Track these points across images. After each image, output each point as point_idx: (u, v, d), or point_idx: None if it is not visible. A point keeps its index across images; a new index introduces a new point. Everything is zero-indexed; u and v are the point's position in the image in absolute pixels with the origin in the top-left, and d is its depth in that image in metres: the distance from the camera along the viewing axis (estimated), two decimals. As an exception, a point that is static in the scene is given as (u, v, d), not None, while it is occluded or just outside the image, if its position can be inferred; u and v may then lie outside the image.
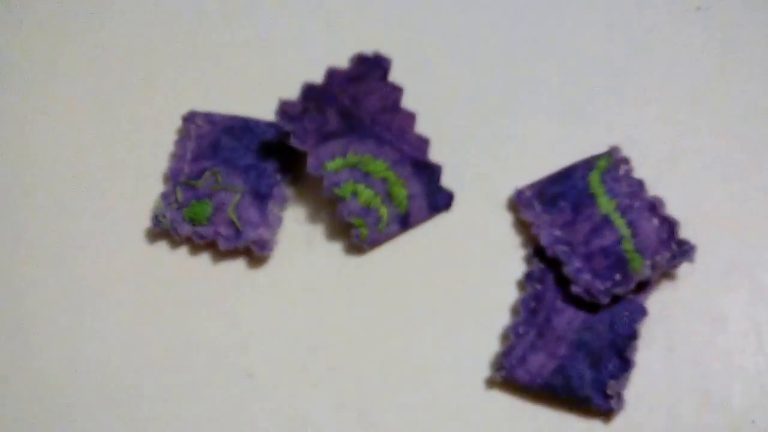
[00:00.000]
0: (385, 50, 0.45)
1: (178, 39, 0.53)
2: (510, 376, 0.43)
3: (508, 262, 0.46)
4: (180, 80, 0.51)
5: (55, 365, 0.44)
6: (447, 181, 0.47)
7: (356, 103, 0.45)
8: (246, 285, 0.46)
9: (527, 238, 0.46)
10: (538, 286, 0.44)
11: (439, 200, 0.47)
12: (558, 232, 0.45)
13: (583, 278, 0.44)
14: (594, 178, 0.46)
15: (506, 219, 0.47)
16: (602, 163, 0.46)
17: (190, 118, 0.49)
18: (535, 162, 0.48)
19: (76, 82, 0.52)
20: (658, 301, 0.45)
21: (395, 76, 0.45)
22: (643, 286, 0.44)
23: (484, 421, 0.43)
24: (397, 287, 0.46)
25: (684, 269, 0.45)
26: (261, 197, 0.46)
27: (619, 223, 0.45)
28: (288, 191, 0.48)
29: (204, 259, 0.47)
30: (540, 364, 0.43)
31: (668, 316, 0.44)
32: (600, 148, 0.47)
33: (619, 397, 0.42)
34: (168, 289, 0.46)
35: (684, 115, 0.50)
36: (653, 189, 0.46)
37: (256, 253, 0.45)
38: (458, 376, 0.44)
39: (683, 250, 0.44)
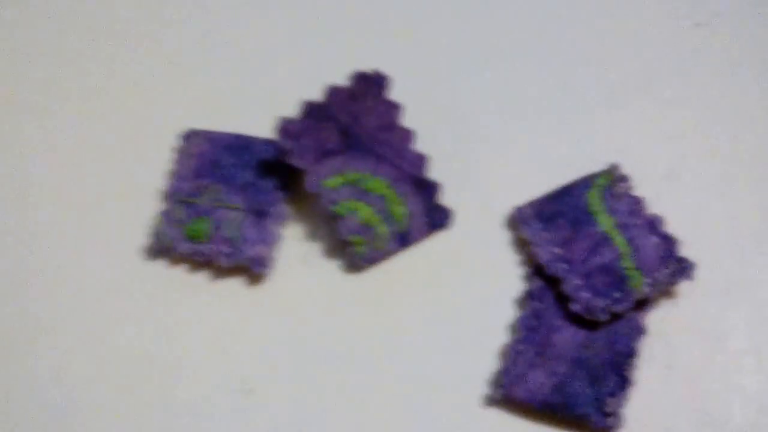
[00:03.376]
0: (384, 68, 0.45)
1: (178, 56, 0.53)
2: (509, 394, 0.43)
3: (507, 280, 0.46)
4: (179, 98, 0.51)
5: (53, 381, 0.44)
6: (446, 198, 0.47)
7: (355, 121, 0.45)
8: (245, 302, 0.46)
9: (526, 256, 0.46)
10: (537, 304, 0.44)
11: (438, 218, 0.47)
12: (557, 250, 0.45)
13: (583, 296, 0.44)
14: (593, 195, 0.46)
15: (505, 237, 0.47)
16: (601, 181, 0.46)
17: (189, 137, 0.49)
18: (534, 180, 0.48)
19: (75, 99, 0.52)
20: (657, 319, 0.45)
21: (394, 93, 0.46)
22: (643, 304, 0.44)
23: (482, 439, 0.43)
24: (396, 305, 0.46)
25: (683, 287, 0.45)
26: (260, 215, 0.46)
27: (619, 240, 0.45)
28: (287, 209, 0.48)
29: (203, 276, 0.47)
30: (539, 382, 0.43)
31: (667, 334, 0.44)
32: (599, 166, 0.47)
33: (618, 415, 0.42)
34: (167, 306, 0.46)
35: (683, 133, 0.50)
36: (652, 206, 0.46)
37: (254, 271, 0.45)
38: (457, 394, 0.44)
39: (683, 268, 0.44)
